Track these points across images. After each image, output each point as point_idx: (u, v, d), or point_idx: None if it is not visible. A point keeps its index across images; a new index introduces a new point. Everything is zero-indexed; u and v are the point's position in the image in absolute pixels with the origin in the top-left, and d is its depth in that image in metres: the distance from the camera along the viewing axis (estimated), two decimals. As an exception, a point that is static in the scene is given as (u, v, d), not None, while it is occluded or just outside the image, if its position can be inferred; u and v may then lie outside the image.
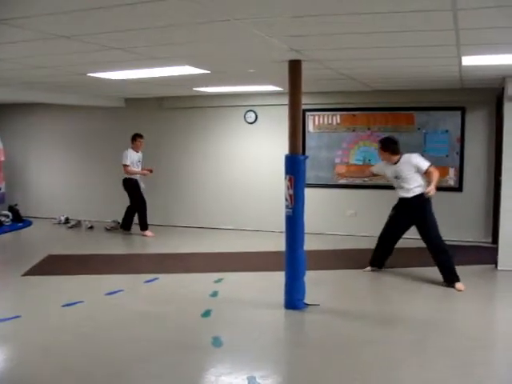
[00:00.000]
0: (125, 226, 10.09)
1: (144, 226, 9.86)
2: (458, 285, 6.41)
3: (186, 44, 4.77)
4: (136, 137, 9.73)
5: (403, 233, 6.91)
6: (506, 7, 3.45)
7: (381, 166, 7.06)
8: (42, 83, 7.77)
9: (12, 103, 11.19)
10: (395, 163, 6.70)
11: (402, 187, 6.65)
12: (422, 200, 6.50)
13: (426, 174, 6.57)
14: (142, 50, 5.00)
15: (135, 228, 10.00)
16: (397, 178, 6.68)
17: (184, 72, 6.43)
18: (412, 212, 6.63)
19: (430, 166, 6.57)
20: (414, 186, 6.56)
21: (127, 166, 9.54)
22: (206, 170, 10.52)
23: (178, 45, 4.80)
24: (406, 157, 6.70)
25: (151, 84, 7.86)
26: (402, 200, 6.70)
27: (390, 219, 6.93)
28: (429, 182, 6.45)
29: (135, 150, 9.72)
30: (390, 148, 6.76)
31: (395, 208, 6.86)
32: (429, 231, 6.56)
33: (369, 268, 7.18)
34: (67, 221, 11.06)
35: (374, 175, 7.44)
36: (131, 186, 9.72)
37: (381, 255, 7.11)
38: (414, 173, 6.56)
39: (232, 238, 9.73)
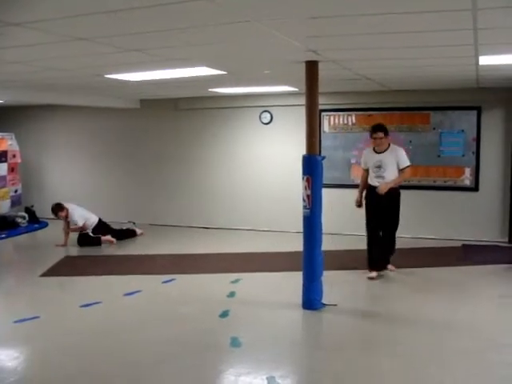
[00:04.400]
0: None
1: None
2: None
3: (204, 45, 4.78)
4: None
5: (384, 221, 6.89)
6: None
7: (365, 158, 7.09)
8: (58, 85, 7.82)
9: (27, 105, 11.29)
10: (381, 152, 6.80)
11: (381, 177, 6.74)
12: (395, 192, 6.74)
13: (400, 172, 6.74)
14: (160, 51, 5.02)
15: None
16: (379, 167, 6.76)
17: (201, 73, 6.45)
18: (384, 201, 6.71)
19: (408, 166, 6.77)
20: (391, 178, 6.69)
21: None
22: (221, 171, 10.55)
23: (197, 46, 4.81)
24: (393, 147, 6.86)
25: (167, 85, 7.89)
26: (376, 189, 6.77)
27: (369, 214, 6.97)
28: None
29: None
30: (388, 132, 6.92)
31: (369, 199, 6.91)
32: (392, 222, 6.86)
33: (374, 273, 6.92)
34: (83, 222, 11.10)
35: (367, 171, 7.11)
36: None
37: (379, 254, 6.98)
38: (393, 165, 6.71)
39: (248, 238, 9.75)
